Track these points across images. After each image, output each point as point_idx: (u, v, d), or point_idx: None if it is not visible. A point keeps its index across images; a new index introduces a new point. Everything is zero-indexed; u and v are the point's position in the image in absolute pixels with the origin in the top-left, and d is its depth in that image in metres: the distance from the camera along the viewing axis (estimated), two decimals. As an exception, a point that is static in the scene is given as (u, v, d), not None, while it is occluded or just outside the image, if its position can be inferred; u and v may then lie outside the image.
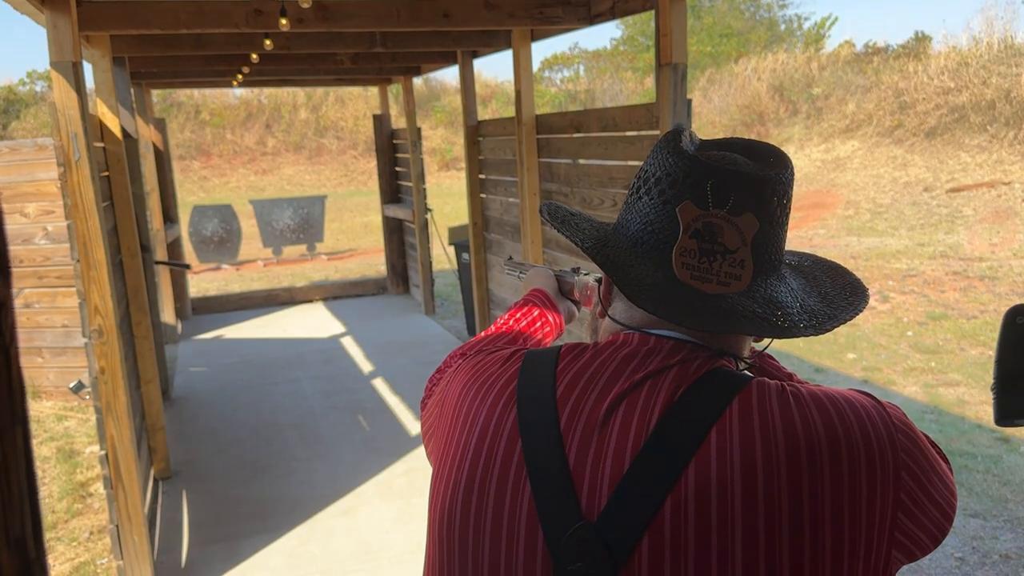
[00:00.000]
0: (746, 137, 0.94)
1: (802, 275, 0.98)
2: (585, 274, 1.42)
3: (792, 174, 0.89)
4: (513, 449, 0.83)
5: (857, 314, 0.92)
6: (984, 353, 6.23)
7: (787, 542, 0.74)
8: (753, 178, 0.86)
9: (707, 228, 0.85)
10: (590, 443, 0.81)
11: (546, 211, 1.03)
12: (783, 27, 28.55)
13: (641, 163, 4.04)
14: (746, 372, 0.89)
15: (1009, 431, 4.79)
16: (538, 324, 1.29)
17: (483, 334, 1.22)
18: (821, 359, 6.35)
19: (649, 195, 0.89)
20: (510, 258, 1.73)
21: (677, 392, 0.81)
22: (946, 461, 0.89)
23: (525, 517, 0.80)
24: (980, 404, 5.23)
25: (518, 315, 1.29)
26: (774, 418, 0.78)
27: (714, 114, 20.29)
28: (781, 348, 6.63)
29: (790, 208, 0.90)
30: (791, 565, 0.74)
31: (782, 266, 0.93)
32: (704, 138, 0.94)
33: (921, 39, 20.80)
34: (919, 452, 0.81)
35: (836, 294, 0.95)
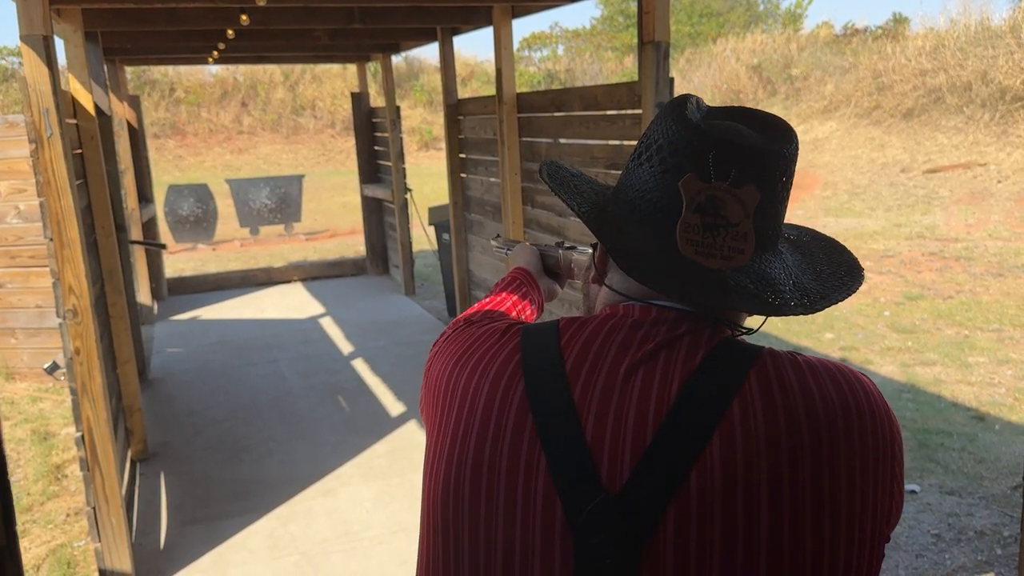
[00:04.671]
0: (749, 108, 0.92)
1: (799, 251, 0.96)
2: (569, 247, 1.41)
3: (796, 148, 0.88)
4: (523, 424, 0.82)
5: (850, 295, 0.90)
6: (960, 333, 6.30)
7: (809, 510, 0.75)
8: (756, 150, 0.84)
9: (710, 201, 0.82)
10: (607, 415, 0.80)
11: (546, 172, 1.00)
12: (762, 7, 28.56)
13: (622, 142, 4.01)
14: (750, 342, 0.88)
15: (984, 409, 4.85)
16: (526, 302, 1.28)
17: (476, 307, 1.20)
18: (799, 339, 6.39)
19: (650, 162, 0.87)
20: (497, 235, 1.73)
21: (694, 362, 0.81)
22: None
23: (541, 491, 0.79)
24: (956, 383, 5.28)
25: (506, 292, 1.28)
26: (793, 389, 0.79)
27: (693, 94, 20.28)
28: (760, 329, 6.65)
29: (791, 184, 0.88)
30: (813, 534, 0.75)
31: (780, 241, 0.91)
32: (710, 106, 0.92)
33: (899, 21, 20.91)
34: (900, 430, 0.84)
35: (831, 272, 0.94)
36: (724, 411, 0.77)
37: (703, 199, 0.82)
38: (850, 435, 0.78)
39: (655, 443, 0.77)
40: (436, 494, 0.87)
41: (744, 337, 0.91)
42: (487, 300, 1.25)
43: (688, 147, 0.84)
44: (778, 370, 0.80)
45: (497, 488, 0.81)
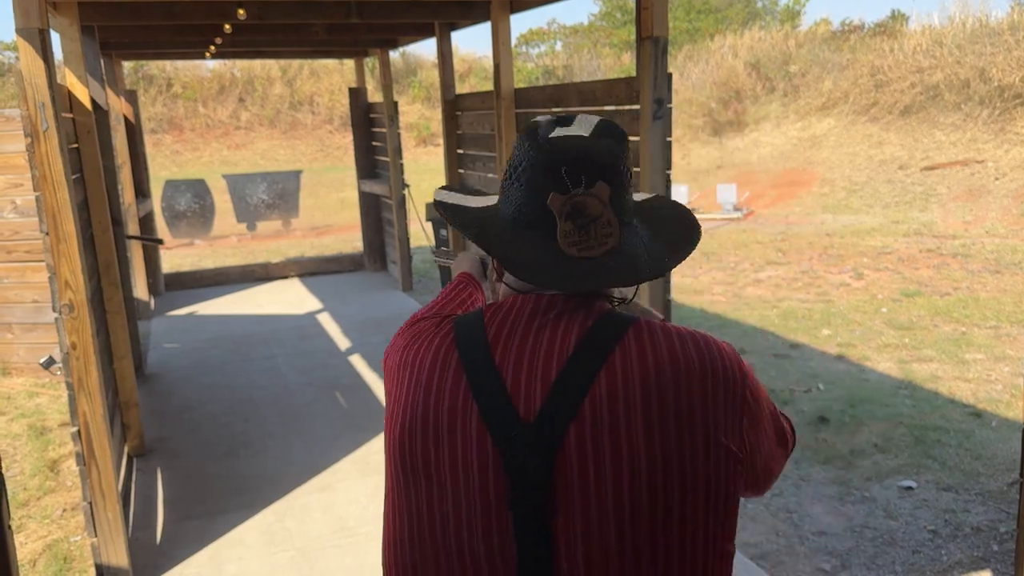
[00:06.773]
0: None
1: (648, 221, 1.16)
2: None
3: (624, 135, 1.09)
4: (459, 382, 1.07)
5: (693, 249, 1.14)
6: (957, 330, 6.30)
7: (673, 432, 1.00)
8: (596, 153, 1.05)
9: (575, 208, 1.04)
10: (522, 365, 1.05)
11: (439, 205, 1.19)
12: (760, 3, 28.53)
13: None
14: (628, 312, 1.12)
15: (981, 405, 4.86)
16: (471, 302, 1.45)
17: (427, 306, 1.39)
18: (796, 335, 6.39)
19: (519, 182, 1.08)
20: (439, 247, 1.80)
21: (587, 324, 1.05)
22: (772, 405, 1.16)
23: (475, 428, 1.04)
24: (953, 380, 5.29)
25: (453, 292, 1.47)
26: (660, 346, 1.03)
27: (691, 91, 20.25)
28: (757, 325, 6.66)
29: (630, 166, 1.10)
30: (677, 447, 1.00)
31: (631, 215, 1.12)
32: (551, 119, 1.12)
33: (897, 17, 20.90)
34: (755, 384, 1.09)
35: (679, 233, 1.16)
36: (608, 356, 1.02)
37: (569, 208, 1.04)
38: (703, 382, 1.02)
39: (557, 382, 1.02)
40: (395, 446, 1.09)
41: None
42: (437, 300, 1.43)
43: (545, 166, 1.05)
44: (650, 332, 1.04)
45: (441, 431, 1.05)
